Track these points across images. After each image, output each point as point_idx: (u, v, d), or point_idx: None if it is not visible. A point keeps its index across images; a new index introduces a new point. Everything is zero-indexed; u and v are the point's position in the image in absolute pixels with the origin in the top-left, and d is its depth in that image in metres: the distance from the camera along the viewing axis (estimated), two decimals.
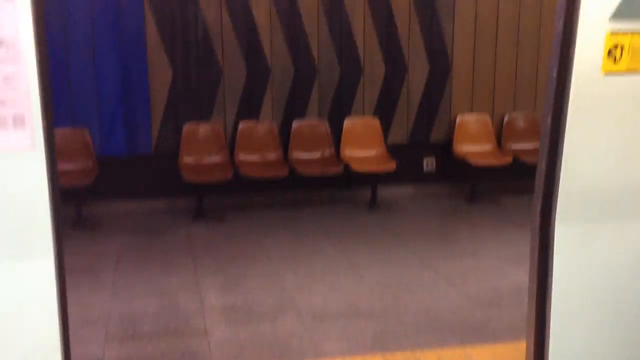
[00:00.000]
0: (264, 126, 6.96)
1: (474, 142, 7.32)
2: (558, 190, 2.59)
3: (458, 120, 7.35)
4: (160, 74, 6.63)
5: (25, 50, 2.22)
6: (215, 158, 6.80)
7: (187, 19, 6.60)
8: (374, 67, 7.09)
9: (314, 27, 6.88)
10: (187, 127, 6.78)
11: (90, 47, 6.45)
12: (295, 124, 7.02)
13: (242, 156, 6.84)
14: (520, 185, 6.72)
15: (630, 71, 2.56)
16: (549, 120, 2.63)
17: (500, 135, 7.46)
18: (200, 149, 6.79)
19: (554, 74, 2.54)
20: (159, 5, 6.50)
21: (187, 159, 6.74)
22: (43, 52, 2.25)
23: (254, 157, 6.87)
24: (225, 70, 6.76)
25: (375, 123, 7.18)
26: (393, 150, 7.10)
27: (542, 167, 2.67)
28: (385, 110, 7.22)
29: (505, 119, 7.47)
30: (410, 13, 7.06)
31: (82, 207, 6.45)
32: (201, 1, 6.58)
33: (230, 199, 6.90)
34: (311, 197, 7.12)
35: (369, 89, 7.13)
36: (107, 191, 6.58)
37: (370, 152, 7.11)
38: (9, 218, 2.30)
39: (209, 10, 6.62)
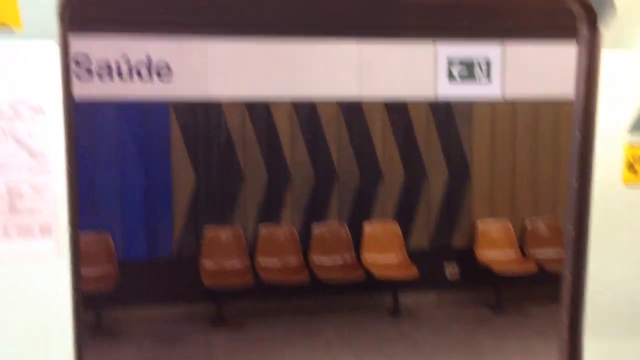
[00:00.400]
0: (284, 230, 6.98)
1: (496, 248, 7.25)
2: (585, 302, 2.54)
3: (479, 225, 7.31)
4: (184, 179, 6.74)
5: (55, 162, 2.29)
6: (235, 262, 6.78)
7: (210, 125, 6.78)
8: (393, 172, 7.16)
9: (334, 133, 7.03)
10: (208, 231, 6.81)
11: (116, 153, 6.61)
12: (315, 228, 7.03)
13: (263, 261, 6.82)
14: (545, 292, 6.56)
15: None
16: (572, 230, 2.61)
17: (522, 240, 7.39)
18: (221, 253, 6.79)
19: (575, 185, 2.56)
20: (184, 112, 6.70)
21: (207, 264, 6.72)
22: (73, 163, 2.31)
23: (274, 262, 6.85)
24: (247, 174, 6.86)
25: (395, 228, 7.16)
26: (414, 256, 7.04)
27: (567, 278, 2.63)
28: (405, 215, 7.22)
29: (527, 224, 7.42)
30: (428, 119, 7.19)
31: (101, 313, 6.40)
32: (225, 108, 6.78)
33: (250, 304, 6.82)
34: (332, 303, 7.01)
35: (389, 193, 7.17)
36: (127, 296, 6.54)
37: (391, 258, 7.06)
38: (30, 323, 2.29)
39: (232, 116, 6.80)
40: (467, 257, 7.30)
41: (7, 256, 2.29)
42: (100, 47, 6.44)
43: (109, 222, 6.61)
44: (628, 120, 2.48)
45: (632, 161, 2.53)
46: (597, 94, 2.49)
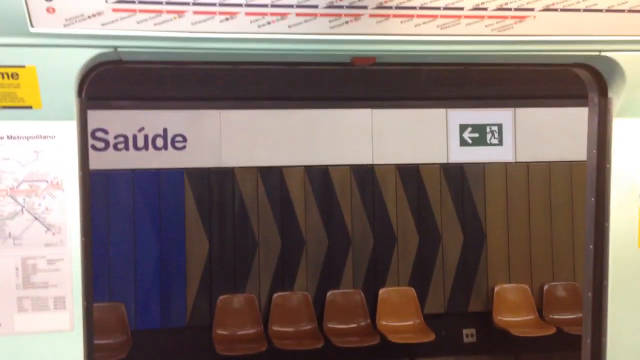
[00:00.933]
0: (298, 297, 6.92)
1: (514, 313, 7.13)
2: None
3: (496, 289, 7.22)
4: (197, 247, 6.75)
5: (71, 235, 2.31)
6: (249, 330, 6.71)
7: (224, 193, 6.83)
8: (407, 237, 7.13)
9: (347, 198, 7.04)
10: (221, 299, 6.76)
11: (131, 222, 6.65)
12: (329, 295, 6.96)
13: (276, 328, 6.74)
14: (565, 356, 6.42)
15: None
16: (590, 295, 2.59)
17: (540, 304, 7.27)
18: (234, 321, 6.72)
19: (591, 250, 2.54)
20: (198, 181, 6.77)
21: (220, 332, 6.65)
22: (88, 237, 2.34)
23: (288, 329, 6.77)
24: (261, 242, 6.86)
25: (411, 293, 7.08)
26: (430, 321, 6.93)
27: (587, 343, 2.60)
28: (420, 280, 7.15)
29: (545, 288, 7.32)
30: (441, 182, 7.21)
31: None
32: (238, 176, 6.84)
33: None
34: None
35: (404, 258, 7.13)
36: None
37: (407, 323, 6.95)
38: None
39: (245, 183, 6.85)
40: (485, 321, 7.18)
41: (22, 329, 2.29)
42: (118, 122, 6.59)
43: (122, 291, 6.59)
44: None
45: None
46: (609, 160, 2.51)
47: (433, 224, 7.19)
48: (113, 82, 5.85)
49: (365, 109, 7.06)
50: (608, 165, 2.53)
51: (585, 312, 2.63)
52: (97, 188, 6.41)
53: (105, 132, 6.56)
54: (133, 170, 6.67)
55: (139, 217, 6.67)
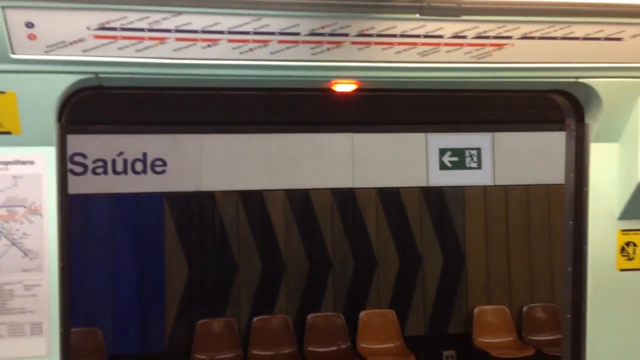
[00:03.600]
0: (278, 320, 6.88)
1: (493, 334, 7.14)
2: None
3: (476, 311, 7.23)
4: (177, 271, 6.69)
5: (49, 261, 2.29)
6: (228, 354, 6.64)
7: (205, 217, 6.80)
8: (388, 260, 7.14)
9: (327, 222, 7.04)
10: (200, 323, 6.70)
11: (109, 246, 6.59)
12: (310, 318, 6.93)
13: (256, 352, 6.68)
14: None
15: None
16: (569, 316, 2.61)
17: (520, 326, 7.30)
18: (214, 346, 6.65)
19: (570, 272, 2.57)
20: (178, 205, 6.73)
21: (199, 356, 6.57)
22: (67, 263, 2.31)
23: (268, 352, 6.71)
24: (241, 265, 6.82)
25: (391, 315, 7.07)
26: (411, 343, 6.92)
27: None
28: (401, 303, 7.14)
29: (524, 310, 7.35)
30: (421, 206, 7.24)
31: None
32: (219, 200, 6.82)
33: None
34: None
35: (384, 281, 7.12)
36: None
37: (388, 345, 6.93)
38: None
39: (226, 208, 6.83)
40: (465, 343, 7.18)
41: None
42: (97, 146, 6.55)
43: (100, 316, 6.50)
44: (618, 208, 2.53)
45: (624, 246, 2.56)
46: (586, 184, 2.55)
47: (413, 246, 7.21)
48: (92, 106, 5.82)
49: (346, 134, 7.10)
50: (585, 189, 2.57)
51: (564, 333, 2.64)
52: (75, 212, 6.34)
53: (84, 156, 6.52)
54: (112, 195, 6.62)
55: (118, 242, 6.61)
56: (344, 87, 2.48)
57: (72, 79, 2.19)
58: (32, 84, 2.16)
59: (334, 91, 2.50)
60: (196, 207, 6.80)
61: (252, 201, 6.88)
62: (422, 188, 7.24)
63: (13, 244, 2.26)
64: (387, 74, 2.34)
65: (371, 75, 2.35)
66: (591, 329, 2.54)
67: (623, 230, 2.56)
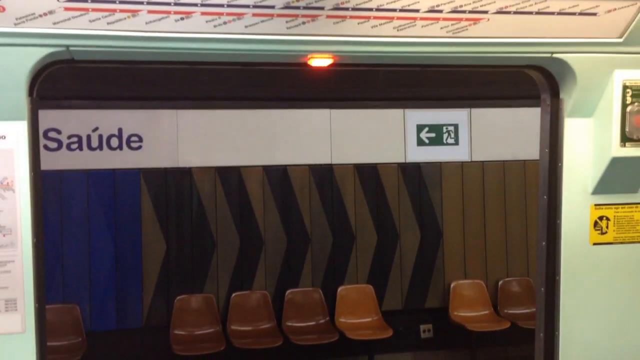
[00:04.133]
0: (257, 296, 6.90)
1: (470, 308, 7.24)
2: None
3: (453, 285, 7.32)
4: (154, 248, 6.67)
5: (22, 236, 2.26)
6: (207, 330, 6.66)
7: (182, 193, 6.77)
8: (365, 236, 7.18)
9: (305, 198, 7.05)
10: (179, 299, 6.70)
11: (85, 223, 6.54)
12: (288, 293, 6.96)
13: (235, 327, 6.71)
14: (520, 349, 6.56)
15: (617, 241, 2.62)
16: (543, 290, 2.65)
17: (495, 300, 7.40)
18: (192, 321, 6.67)
19: (544, 247, 2.60)
20: (155, 181, 6.68)
21: (178, 332, 6.59)
22: (40, 237, 2.29)
23: (247, 328, 6.74)
24: (219, 242, 6.82)
25: (369, 290, 7.13)
26: (388, 317, 6.99)
27: (540, 337, 2.66)
28: (379, 278, 7.20)
29: (500, 284, 7.45)
30: (398, 182, 7.27)
31: None
32: (196, 176, 6.78)
33: None
34: None
35: (362, 256, 7.17)
36: None
37: (366, 319, 7.00)
38: None
39: (204, 184, 6.80)
40: (442, 317, 7.27)
41: None
42: (72, 122, 6.46)
43: (77, 293, 6.48)
44: (592, 183, 2.56)
45: (597, 221, 2.60)
46: (560, 159, 2.57)
47: (391, 222, 7.25)
48: (67, 81, 5.74)
49: (324, 109, 7.08)
50: (560, 164, 2.59)
51: (538, 306, 2.69)
52: (50, 189, 6.28)
53: (59, 132, 6.43)
54: (87, 171, 6.55)
55: (94, 218, 6.56)
56: (319, 61, 2.46)
57: (42, 52, 2.15)
58: (1, 57, 2.12)
59: (310, 66, 2.48)
60: (173, 183, 6.76)
61: (230, 177, 6.86)
62: (399, 164, 7.26)
63: None
64: (363, 49, 2.33)
65: (347, 50, 2.34)
66: (564, 302, 2.58)
67: (596, 205, 2.59)
